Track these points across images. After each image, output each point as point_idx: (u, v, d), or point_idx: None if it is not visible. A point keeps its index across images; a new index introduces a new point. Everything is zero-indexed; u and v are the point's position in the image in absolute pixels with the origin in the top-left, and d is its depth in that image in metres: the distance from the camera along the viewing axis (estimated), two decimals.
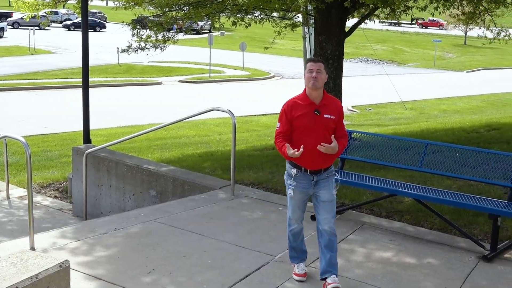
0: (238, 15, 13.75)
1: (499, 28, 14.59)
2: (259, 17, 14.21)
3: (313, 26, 15.02)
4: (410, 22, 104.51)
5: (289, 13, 14.95)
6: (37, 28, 56.63)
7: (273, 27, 15.32)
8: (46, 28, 67.10)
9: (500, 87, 42.99)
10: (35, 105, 27.60)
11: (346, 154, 8.10)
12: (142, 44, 13.71)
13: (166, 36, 13.87)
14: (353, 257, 6.69)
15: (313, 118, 5.60)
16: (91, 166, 9.79)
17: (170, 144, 17.46)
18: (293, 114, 5.65)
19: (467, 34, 79.55)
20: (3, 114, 24.19)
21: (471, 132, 14.90)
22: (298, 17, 16.36)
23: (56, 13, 73.69)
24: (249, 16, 14.15)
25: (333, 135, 5.57)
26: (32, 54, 47.71)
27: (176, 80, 39.26)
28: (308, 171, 5.70)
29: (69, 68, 40.10)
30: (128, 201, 9.47)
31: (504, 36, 14.71)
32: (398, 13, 13.28)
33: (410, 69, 57.13)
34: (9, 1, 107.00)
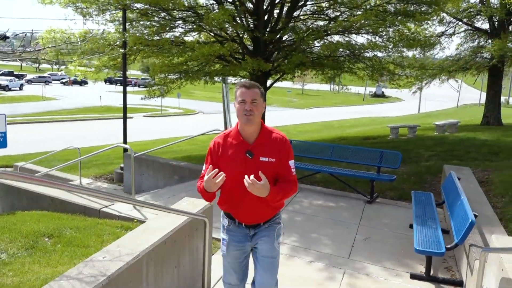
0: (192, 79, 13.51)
1: (342, 85, 15.96)
2: (207, 80, 13.67)
3: (227, 83, 15.12)
4: None
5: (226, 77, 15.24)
6: (44, 83, 53.81)
7: (210, 84, 14.67)
8: (49, 84, 63.41)
9: (326, 117, 45.06)
10: (51, 132, 26.45)
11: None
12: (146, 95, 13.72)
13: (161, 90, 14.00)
14: (303, 204, 7.43)
15: (244, 162, 2.74)
16: (136, 164, 10.00)
17: (178, 150, 17.21)
18: (220, 154, 2.80)
19: (304, 87, 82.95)
20: (32, 138, 23.12)
21: (329, 142, 16.09)
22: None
23: (55, 74, 69.54)
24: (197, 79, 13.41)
25: (263, 178, 2.57)
26: (44, 100, 45.00)
27: (141, 115, 38.52)
28: (243, 224, 2.94)
29: (68, 109, 38.46)
30: (161, 182, 9.71)
31: (345, 89, 16.19)
32: (296, 77, 14.25)
33: (274, 108, 58.45)
34: (21, 67, 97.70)
